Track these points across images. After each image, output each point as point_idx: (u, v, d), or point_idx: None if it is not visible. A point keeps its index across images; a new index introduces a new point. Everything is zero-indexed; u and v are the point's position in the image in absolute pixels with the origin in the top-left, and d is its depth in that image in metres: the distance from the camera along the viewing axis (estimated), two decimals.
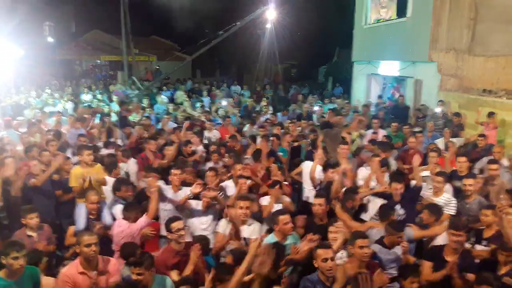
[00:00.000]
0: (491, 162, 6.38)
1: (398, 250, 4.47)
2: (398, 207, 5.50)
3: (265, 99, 14.64)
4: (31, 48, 18.27)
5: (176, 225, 4.27)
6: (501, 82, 10.69)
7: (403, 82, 14.08)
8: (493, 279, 3.69)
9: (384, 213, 5.02)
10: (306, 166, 6.85)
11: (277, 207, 5.27)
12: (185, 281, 3.72)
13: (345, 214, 5.01)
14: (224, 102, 13.56)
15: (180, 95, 16.06)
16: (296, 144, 9.32)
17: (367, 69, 15.42)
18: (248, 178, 5.94)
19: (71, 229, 5.02)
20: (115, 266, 3.99)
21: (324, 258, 3.69)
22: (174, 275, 4.06)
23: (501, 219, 4.37)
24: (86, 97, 15.96)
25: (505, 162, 7.04)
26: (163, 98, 14.66)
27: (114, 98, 14.47)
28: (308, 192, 6.48)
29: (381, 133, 9.61)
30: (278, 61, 24.44)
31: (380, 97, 14.09)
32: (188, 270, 3.96)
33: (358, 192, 5.64)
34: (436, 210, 5.08)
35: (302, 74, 28.38)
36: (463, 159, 6.46)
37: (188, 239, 4.73)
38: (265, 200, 5.57)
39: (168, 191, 5.52)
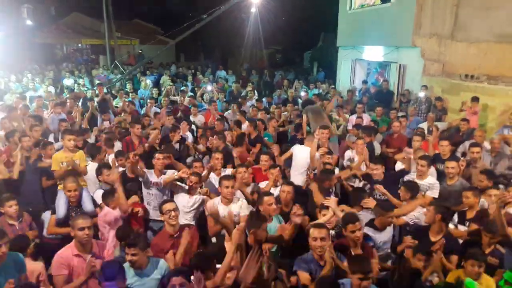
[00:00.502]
0: (473, 145, 6.52)
1: (389, 231, 4.55)
2: None
3: (250, 84, 14.56)
4: (9, 31, 17.73)
5: (167, 206, 4.32)
6: (483, 68, 10.83)
7: (387, 67, 14.18)
8: (480, 255, 3.81)
9: (355, 197, 5.13)
10: (298, 150, 6.76)
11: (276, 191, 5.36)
12: (180, 272, 3.60)
13: (320, 194, 5.15)
14: (209, 87, 13.45)
15: (165, 80, 15.86)
16: (282, 129, 9.38)
17: (352, 54, 15.46)
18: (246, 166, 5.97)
19: (53, 218, 4.94)
20: (110, 250, 4.04)
21: (313, 238, 3.77)
22: (170, 257, 4.07)
23: (496, 207, 4.45)
24: (67, 81, 15.66)
25: (486, 145, 7.22)
26: (147, 82, 14.46)
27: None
28: (294, 177, 6.49)
29: (366, 118, 9.70)
30: (263, 46, 24.31)
31: (364, 82, 14.16)
32: (178, 255, 3.94)
33: (334, 172, 5.73)
34: (412, 187, 5.22)
35: (287, 59, 28.29)
36: (445, 142, 6.58)
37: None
38: (263, 185, 5.69)
39: (152, 175, 5.52)
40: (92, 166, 5.89)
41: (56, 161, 5.51)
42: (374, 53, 14.26)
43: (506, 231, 4.33)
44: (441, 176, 6.07)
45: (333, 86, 14.51)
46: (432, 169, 6.14)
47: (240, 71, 20.03)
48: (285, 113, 10.45)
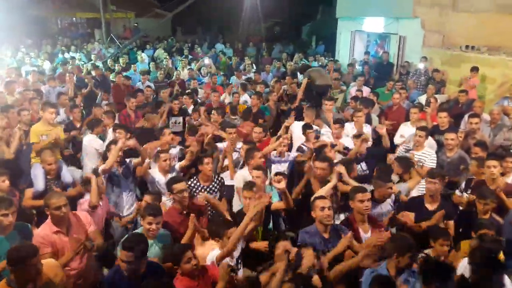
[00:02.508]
0: (472, 116, 6.52)
1: (389, 202, 4.58)
2: (363, 164, 5.74)
3: (247, 57, 14.42)
4: (2, 5, 17.37)
5: (178, 186, 4.22)
6: (483, 39, 10.70)
7: (387, 38, 13.98)
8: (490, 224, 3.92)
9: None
10: (297, 128, 6.65)
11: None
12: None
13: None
14: (206, 61, 13.29)
15: (161, 53, 15.65)
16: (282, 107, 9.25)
17: (351, 26, 15.21)
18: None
19: (29, 192, 4.84)
20: (87, 218, 3.98)
21: (321, 207, 3.82)
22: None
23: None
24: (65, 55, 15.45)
25: (486, 116, 7.20)
26: (143, 56, 14.29)
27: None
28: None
29: (366, 90, 9.65)
30: (261, 19, 23.88)
31: (366, 53, 14.01)
32: (186, 238, 3.91)
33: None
34: (404, 162, 5.25)
35: (286, 33, 27.84)
36: (444, 114, 6.59)
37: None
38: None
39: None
40: (89, 138, 5.89)
41: (35, 133, 5.45)
42: (373, 24, 14.04)
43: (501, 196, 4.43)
44: (440, 147, 6.10)
45: (332, 59, 14.34)
46: (431, 141, 6.16)
47: (238, 45, 19.74)
48: (284, 86, 10.37)
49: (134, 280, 3.16)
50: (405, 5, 11.99)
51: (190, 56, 15.71)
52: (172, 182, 4.29)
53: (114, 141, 5.29)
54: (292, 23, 28.04)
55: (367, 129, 6.80)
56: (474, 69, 9.07)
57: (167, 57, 14.62)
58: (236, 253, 3.70)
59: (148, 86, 9.57)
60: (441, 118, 6.57)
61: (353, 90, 9.73)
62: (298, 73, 12.17)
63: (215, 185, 5.07)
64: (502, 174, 5.30)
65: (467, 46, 10.69)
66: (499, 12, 10.42)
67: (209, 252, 3.66)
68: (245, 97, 9.18)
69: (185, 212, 4.26)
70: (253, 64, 14.34)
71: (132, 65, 12.60)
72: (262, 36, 23.50)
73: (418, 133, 5.83)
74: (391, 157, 5.93)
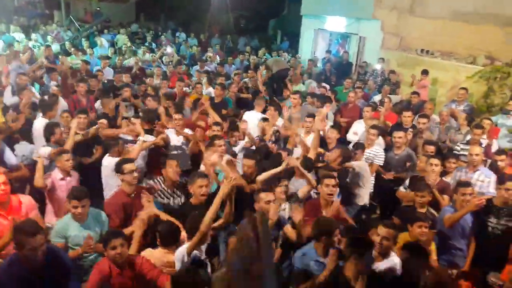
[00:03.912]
0: (421, 116, 6.85)
1: None
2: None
3: (211, 48, 14.36)
4: None
5: (128, 166, 4.24)
6: (438, 44, 11.18)
7: (348, 38, 14.34)
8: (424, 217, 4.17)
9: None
10: (249, 117, 6.84)
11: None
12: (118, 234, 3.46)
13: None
14: (169, 49, 13.12)
15: (121, 39, 15.28)
16: (242, 95, 9.33)
17: (315, 24, 15.46)
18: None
19: None
20: (31, 202, 3.93)
21: (267, 201, 3.92)
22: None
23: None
24: (18, 36, 14.76)
25: (436, 118, 7.58)
26: (103, 41, 13.90)
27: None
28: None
29: (326, 87, 9.87)
30: (229, 11, 23.74)
31: (328, 52, 14.30)
32: (129, 230, 3.85)
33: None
34: (345, 153, 5.39)
35: (252, 26, 27.83)
36: (408, 113, 6.84)
37: None
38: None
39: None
40: (41, 121, 5.72)
41: None
42: (336, 23, 14.34)
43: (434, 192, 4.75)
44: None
45: (294, 56, 14.53)
46: (380, 139, 6.42)
47: (203, 35, 19.57)
48: (246, 79, 10.42)
49: (33, 269, 2.99)
50: (366, 7, 12.33)
51: (153, 44, 15.43)
52: (122, 162, 4.30)
53: (56, 124, 5.29)
54: (258, 17, 28.04)
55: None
56: (425, 72, 9.48)
57: (128, 43, 14.30)
58: (204, 247, 3.65)
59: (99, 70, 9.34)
60: (405, 117, 6.82)
61: (314, 86, 9.93)
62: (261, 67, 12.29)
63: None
64: (445, 173, 5.66)
65: (422, 50, 11.14)
66: (453, 19, 10.92)
67: (161, 257, 3.54)
68: (209, 89, 9.16)
69: (133, 194, 4.26)
70: (218, 56, 14.30)
71: (88, 50, 12.21)
72: (228, 27, 23.39)
73: (370, 131, 6.06)
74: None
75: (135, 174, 4.26)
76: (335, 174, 4.52)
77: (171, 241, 3.53)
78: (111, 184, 4.80)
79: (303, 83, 10.48)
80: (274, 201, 3.97)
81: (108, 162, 4.90)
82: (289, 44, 19.35)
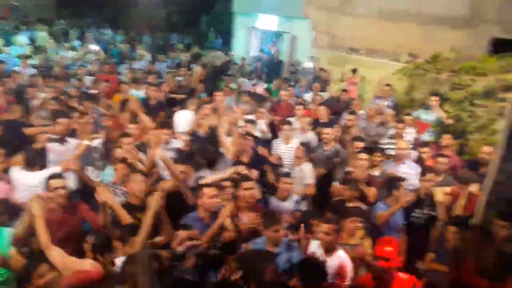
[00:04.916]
0: (348, 113, 7.06)
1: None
2: None
3: (140, 46, 13.86)
4: None
5: (54, 183, 3.86)
6: (366, 42, 11.60)
7: (280, 37, 14.50)
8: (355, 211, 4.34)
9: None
10: (181, 117, 6.69)
11: None
12: None
13: None
14: (94, 47, 12.45)
15: (43, 37, 14.26)
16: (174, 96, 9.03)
17: (248, 22, 15.47)
18: None
19: None
20: None
21: (211, 195, 3.88)
22: None
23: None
24: None
25: (363, 113, 7.85)
26: (21, 39, 12.89)
27: None
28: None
29: (261, 86, 9.91)
30: (159, 7, 23.10)
31: (260, 50, 14.38)
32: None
33: None
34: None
35: (185, 23, 27.31)
36: (322, 107, 7.08)
37: None
38: None
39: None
40: None
41: None
42: (268, 22, 14.45)
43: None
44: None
45: (227, 54, 14.43)
46: (312, 134, 6.56)
47: (132, 32, 18.86)
48: (178, 77, 10.15)
49: None
50: (296, 5, 12.52)
51: (77, 42, 14.55)
52: (49, 178, 3.93)
53: None
54: (190, 13, 27.57)
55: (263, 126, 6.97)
56: (354, 70, 9.81)
57: (50, 40, 13.39)
58: None
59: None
60: (321, 111, 7.03)
61: (248, 84, 9.93)
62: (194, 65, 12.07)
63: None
64: (372, 167, 5.86)
65: (351, 48, 11.52)
66: (380, 18, 11.38)
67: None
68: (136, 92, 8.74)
69: (62, 211, 3.91)
70: (149, 53, 13.82)
71: (4, 48, 11.27)
72: (159, 24, 22.77)
73: (285, 127, 6.21)
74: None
75: (62, 192, 3.87)
76: None
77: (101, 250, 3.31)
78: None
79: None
80: (218, 197, 3.94)
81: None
82: (223, 42, 19.22)
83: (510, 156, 3.29)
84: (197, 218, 3.90)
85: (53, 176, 3.94)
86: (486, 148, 5.73)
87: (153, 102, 7.60)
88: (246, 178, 4.47)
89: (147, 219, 3.43)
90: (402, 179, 4.82)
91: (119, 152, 4.84)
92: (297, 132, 6.43)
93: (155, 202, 3.47)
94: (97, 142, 5.41)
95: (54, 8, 23.63)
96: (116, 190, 4.46)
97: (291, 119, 7.04)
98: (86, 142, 4.86)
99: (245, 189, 4.30)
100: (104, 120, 6.28)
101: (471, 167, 5.75)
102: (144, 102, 7.66)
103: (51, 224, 3.57)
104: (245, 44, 15.63)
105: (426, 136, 7.34)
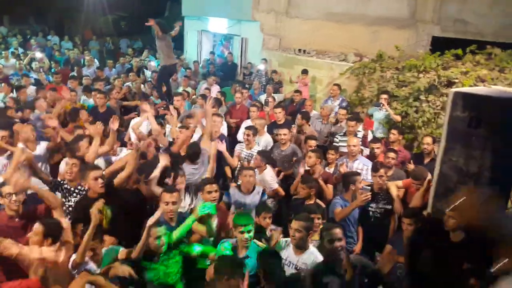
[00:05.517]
0: (301, 114, 7.24)
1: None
2: None
3: (87, 52, 13.45)
4: None
5: (6, 189, 3.84)
6: (314, 43, 11.90)
7: (231, 40, 14.56)
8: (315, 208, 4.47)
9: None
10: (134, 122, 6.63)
11: None
12: None
13: None
14: (38, 54, 11.93)
15: None
16: (126, 103, 8.85)
17: (198, 25, 15.41)
18: None
19: None
20: None
21: (167, 202, 3.88)
22: None
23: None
24: None
25: (315, 113, 8.07)
26: None
27: None
28: None
29: (215, 89, 9.90)
30: (106, 12, 22.47)
31: (212, 53, 14.34)
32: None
33: None
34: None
35: (134, 27, 26.73)
36: (278, 109, 7.18)
37: None
38: None
39: None
40: None
41: None
42: (218, 25, 14.46)
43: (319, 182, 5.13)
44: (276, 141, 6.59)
45: (179, 58, 14.30)
46: (268, 137, 6.65)
47: (79, 38, 18.25)
48: (128, 83, 9.96)
49: None
50: (245, 9, 12.62)
51: (21, 49, 13.88)
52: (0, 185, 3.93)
53: None
54: (140, 18, 27.01)
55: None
56: (305, 72, 10.05)
57: None
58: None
59: None
60: (277, 113, 7.13)
61: (202, 87, 9.89)
62: (145, 70, 11.90)
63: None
64: (327, 164, 6.06)
65: (300, 50, 11.77)
66: (326, 20, 11.70)
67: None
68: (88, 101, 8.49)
69: (17, 218, 3.90)
70: (95, 59, 13.42)
71: None
72: (107, 29, 22.17)
73: (246, 132, 6.22)
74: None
75: (14, 198, 3.82)
76: None
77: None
78: None
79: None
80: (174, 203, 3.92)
81: None
82: (174, 45, 18.98)
83: (452, 148, 3.46)
84: (163, 220, 3.88)
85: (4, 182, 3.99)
86: (427, 139, 6.08)
87: (102, 110, 7.43)
88: (208, 181, 4.45)
89: (89, 233, 3.41)
90: (357, 174, 5.03)
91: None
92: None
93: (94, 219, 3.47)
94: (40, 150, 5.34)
95: None
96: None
97: (247, 121, 7.15)
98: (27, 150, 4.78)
99: (208, 192, 4.29)
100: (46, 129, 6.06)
101: (416, 160, 6.07)
102: (94, 109, 7.49)
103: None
104: (197, 47, 15.56)
105: (378, 134, 7.66)
